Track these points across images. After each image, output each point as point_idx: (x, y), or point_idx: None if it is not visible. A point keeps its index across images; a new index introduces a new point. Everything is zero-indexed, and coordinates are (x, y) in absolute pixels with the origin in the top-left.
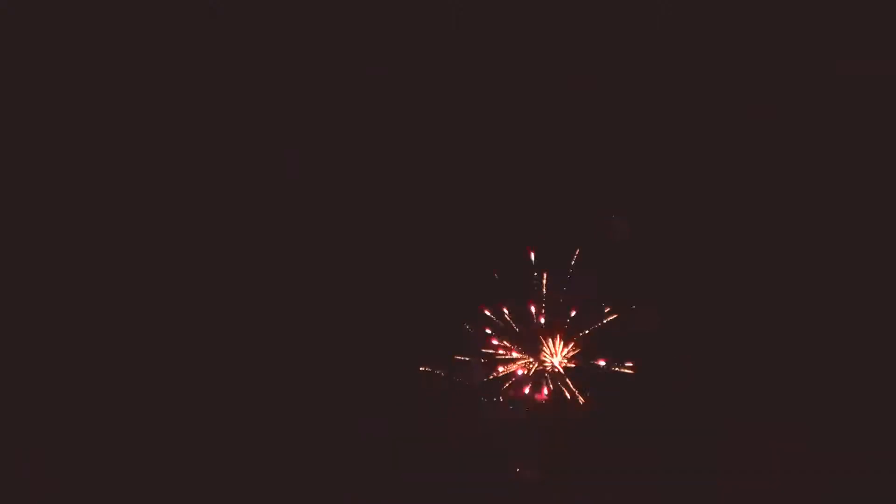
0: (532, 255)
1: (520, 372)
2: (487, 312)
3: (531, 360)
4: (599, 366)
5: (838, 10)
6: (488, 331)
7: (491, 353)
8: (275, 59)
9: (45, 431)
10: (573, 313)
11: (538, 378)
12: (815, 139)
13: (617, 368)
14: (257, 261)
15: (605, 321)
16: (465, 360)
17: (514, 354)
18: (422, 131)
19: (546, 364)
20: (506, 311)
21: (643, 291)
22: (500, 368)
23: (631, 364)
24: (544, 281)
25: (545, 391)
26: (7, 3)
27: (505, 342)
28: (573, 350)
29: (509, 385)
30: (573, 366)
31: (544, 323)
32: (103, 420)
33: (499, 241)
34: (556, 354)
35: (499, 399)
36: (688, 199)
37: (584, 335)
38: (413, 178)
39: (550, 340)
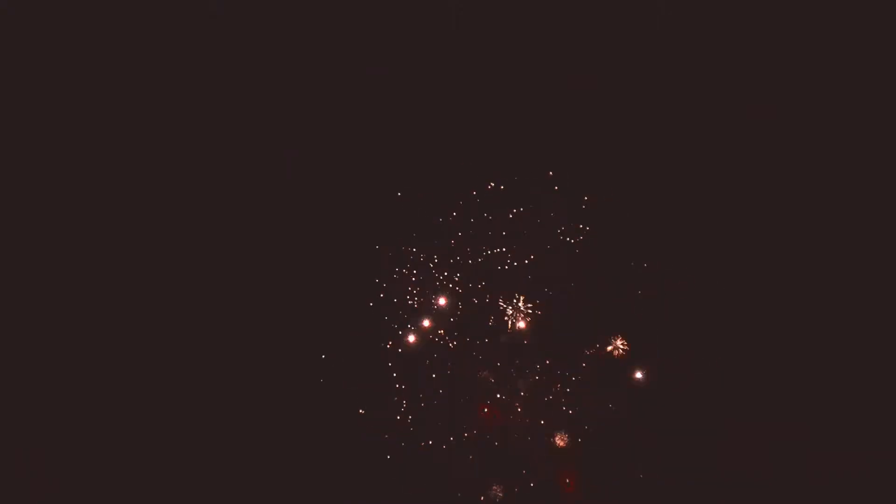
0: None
1: None
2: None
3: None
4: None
5: (838, 9)
6: None
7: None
8: (275, 59)
9: (45, 431)
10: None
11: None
12: (815, 139)
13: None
14: (256, 260)
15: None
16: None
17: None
18: (422, 131)
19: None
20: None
21: (642, 292)
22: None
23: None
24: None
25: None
26: (7, 3)
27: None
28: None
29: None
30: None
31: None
32: (103, 420)
33: (497, 242)
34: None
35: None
36: (688, 198)
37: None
38: (413, 177)
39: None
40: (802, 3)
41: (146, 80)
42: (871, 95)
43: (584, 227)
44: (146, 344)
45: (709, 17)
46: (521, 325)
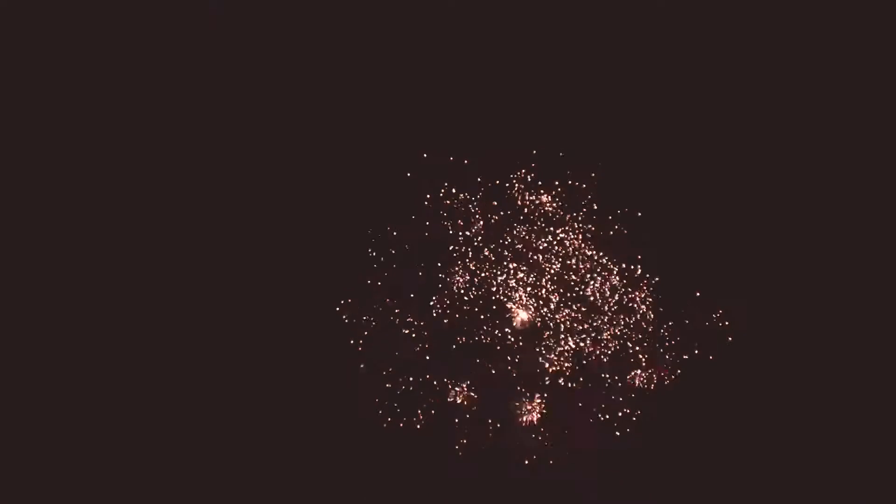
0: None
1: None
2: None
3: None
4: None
5: (838, 9)
6: None
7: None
8: (274, 59)
9: (45, 431)
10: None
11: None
12: (815, 139)
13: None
14: (256, 260)
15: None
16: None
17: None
18: (422, 131)
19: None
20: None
21: (641, 292)
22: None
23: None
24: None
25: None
26: (7, 4)
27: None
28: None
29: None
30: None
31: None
32: (103, 420)
33: (498, 241)
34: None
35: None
36: (688, 198)
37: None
38: (413, 177)
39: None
40: (802, 3)
41: (146, 80)
42: (872, 95)
43: (583, 227)
44: (146, 344)
45: (709, 16)
46: (524, 317)
